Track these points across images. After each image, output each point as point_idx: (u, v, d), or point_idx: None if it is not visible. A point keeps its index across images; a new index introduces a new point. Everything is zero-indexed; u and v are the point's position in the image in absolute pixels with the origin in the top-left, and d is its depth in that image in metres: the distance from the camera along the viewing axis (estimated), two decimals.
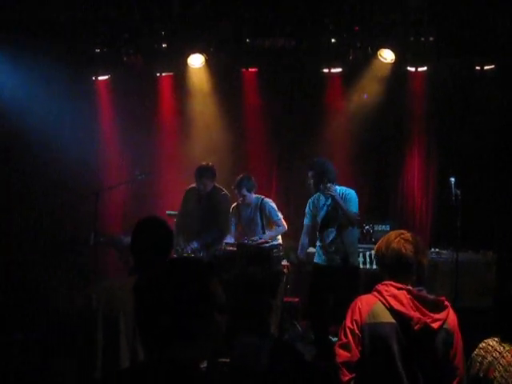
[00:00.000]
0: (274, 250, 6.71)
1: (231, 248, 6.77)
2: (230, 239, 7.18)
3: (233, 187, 7.16)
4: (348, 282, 6.30)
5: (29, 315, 6.37)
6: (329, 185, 6.33)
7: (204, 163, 7.27)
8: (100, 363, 3.18)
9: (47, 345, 5.58)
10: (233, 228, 7.36)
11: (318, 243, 6.75)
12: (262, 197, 7.29)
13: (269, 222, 7.24)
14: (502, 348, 3.17)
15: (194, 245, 6.94)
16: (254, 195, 7.23)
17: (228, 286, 6.36)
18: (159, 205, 8.35)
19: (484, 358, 3.18)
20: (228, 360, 5.32)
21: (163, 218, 3.61)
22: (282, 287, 6.84)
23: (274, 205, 7.25)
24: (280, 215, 7.22)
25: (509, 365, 3.12)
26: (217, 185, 7.30)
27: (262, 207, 7.21)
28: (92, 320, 3.24)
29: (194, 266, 2.09)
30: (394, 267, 3.29)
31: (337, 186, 6.52)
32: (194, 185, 7.34)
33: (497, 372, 3.13)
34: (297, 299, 7.60)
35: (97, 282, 3.29)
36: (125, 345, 3.15)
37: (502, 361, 3.14)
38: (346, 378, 3.19)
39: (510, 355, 3.14)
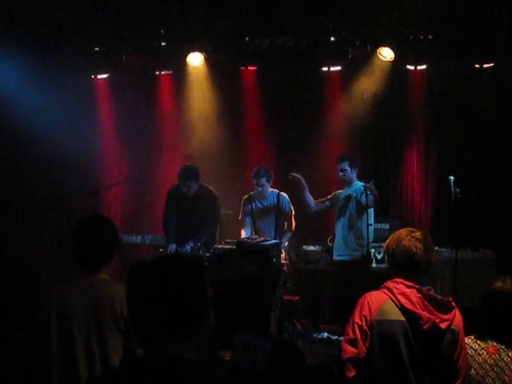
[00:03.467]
0: (274, 248, 6.71)
1: (230, 246, 6.77)
2: (247, 232, 7.31)
3: (251, 177, 7.28)
4: (357, 275, 6.42)
5: (29, 315, 6.36)
6: (371, 182, 6.78)
7: (186, 165, 7.17)
8: (57, 371, 3.14)
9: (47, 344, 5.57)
10: (248, 220, 7.45)
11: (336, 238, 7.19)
12: (278, 191, 7.39)
13: (282, 215, 7.35)
14: (477, 346, 3.19)
15: (188, 247, 6.92)
16: (269, 188, 7.37)
17: (227, 284, 6.36)
18: (158, 203, 8.34)
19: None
20: (227, 358, 5.32)
21: (105, 216, 3.49)
22: (281, 285, 6.84)
23: (288, 199, 7.40)
24: (293, 211, 7.39)
25: (484, 362, 3.13)
26: (203, 184, 7.21)
27: (278, 200, 7.30)
28: (44, 323, 3.21)
29: (190, 262, 2.10)
30: (403, 265, 3.30)
31: (358, 182, 7.05)
32: (175, 184, 7.26)
33: (472, 370, 3.15)
34: (296, 297, 7.60)
35: (47, 288, 3.23)
36: (80, 344, 3.13)
37: (477, 358, 3.15)
38: (352, 374, 3.20)
39: (485, 353, 3.16)
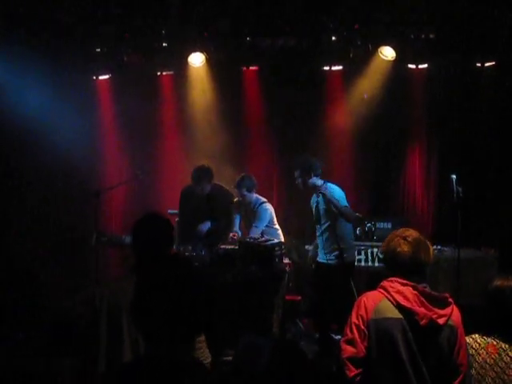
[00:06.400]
0: (276, 248, 6.70)
1: (233, 246, 6.76)
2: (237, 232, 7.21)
3: (233, 186, 7.17)
4: (341, 278, 6.29)
5: (30, 315, 6.38)
6: (323, 185, 6.43)
7: (200, 165, 7.14)
8: (104, 357, 3.22)
9: (48, 344, 5.59)
10: (238, 221, 7.38)
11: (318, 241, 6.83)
12: (262, 201, 7.27)
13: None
14: (477, 345, 3.21)
15: (203, 229, 6.96)
16: (254, 195, 7.24)
17: (229, 284, 6.36)
18: (160, 203, 8.35)
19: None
20: (230, 359, 5.32)
21: (167, 216, 3.58)
22: (283, 286, 6.83)
23: (267, 213, 7.19)
24: (261, 228, 7.08)
25: (484, 362, 3.15)
26: (216, 183, 7.21)
27: (256, 210, 7.21)
28: (96, 316, 3.28)
29: (190, 264, 2.11)
30: (391, 265, 3.35)
31: (323, 182, 6.61)
32: (189, 185, 7.24)
33: (473, 370, 3.15)
34: (299, 297, 7.59)
35: (100, 281, 3.35)
36: (127, 339, 3.19)
37: (477, 358, 3.17)
38: (352, 374, 3.21)
39: (484, 352, 3.17)
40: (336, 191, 6.53)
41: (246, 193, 7.12)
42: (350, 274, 6.45)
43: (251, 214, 7.27)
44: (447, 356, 3.17)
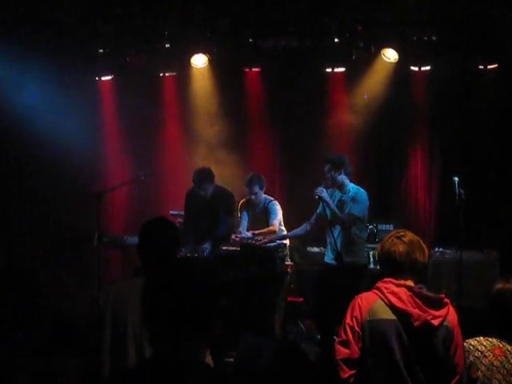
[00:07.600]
0: (279, 250, 6.70)
1: (235, 247, 6.76)
2: (245, 234, 7.07)
3: (244, 185, 7.17)
4: (351, 280, 6.24)
5: (32, 316, 6.39)
6: (319, 188, 6.32)
7: (199, 168, 7.14)
8: (108, 362, 3.21)
9: (48, 344, 5.59)
10: (245, 222, 7.34)
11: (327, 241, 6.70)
12: (271, 199, 7.28)
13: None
14: (483, 347, 3.21)
15: (206, 247, 6.89)
16: (263, 195, 7.24)
17: (232, 285, 6.35)
18: (162, 205, 8.35)
19: (465, 358, 3.21)
20: (232, 360, 5.32)
21: (170, 218, 3.61)
22: (285, 287, 6.82)
23: (278, 209, 7.21)
24: (277, 221, 7.15)
25: (491, 364, 3.15)
26: (217, 184, 7.21)
27: (267, 208, 7.20)
28: (100, 320, 3.27)
29: (199, 265, 2.13)
30: (386, 265, 3.36)
31: (351, 184, 6.54)
32: (192, 187, 7.23)
33: (479, 372, 3.16)
34: (300, 299, 7.58)
35: (103, 282, 3.35)
36: (132, 343, 3.18)
37: (483, 360, 3.17)
38: (346, 375, 3.22)
39: (491, 354, 3.18)
40: (362, 196, 6.45)
41: (258, 190, 7.12)
42: (360, 277, 6.38)
43: (260, 214, 7.26)
44: (443, 357, 3.17)
